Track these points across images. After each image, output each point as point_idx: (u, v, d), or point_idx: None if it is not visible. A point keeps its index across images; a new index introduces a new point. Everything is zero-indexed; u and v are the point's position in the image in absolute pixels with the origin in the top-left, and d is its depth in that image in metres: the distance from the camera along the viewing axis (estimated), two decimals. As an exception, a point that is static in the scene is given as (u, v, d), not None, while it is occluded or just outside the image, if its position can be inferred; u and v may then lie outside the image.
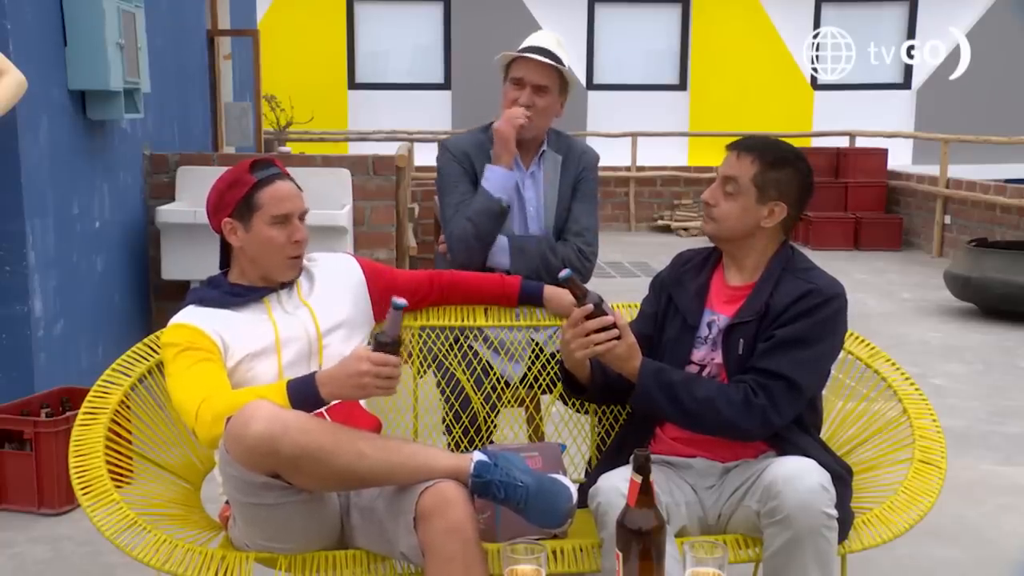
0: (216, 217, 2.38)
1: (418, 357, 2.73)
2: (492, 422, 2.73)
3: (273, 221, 2.32)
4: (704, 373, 2.34)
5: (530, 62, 2.92)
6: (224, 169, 2.43)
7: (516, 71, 2.95)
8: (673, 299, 2.43)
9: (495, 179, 2.89)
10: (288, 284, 2.42)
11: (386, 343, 2.07)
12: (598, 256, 3.06)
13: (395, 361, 2.07)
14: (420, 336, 2.73)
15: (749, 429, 2.22)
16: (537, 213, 2.99)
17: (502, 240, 2.92)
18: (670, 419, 2.31)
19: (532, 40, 2.99)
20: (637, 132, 11.85)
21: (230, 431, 1.98)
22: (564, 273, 2.17)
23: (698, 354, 2.36)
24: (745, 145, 2.34)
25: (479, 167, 2.95)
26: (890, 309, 7.22)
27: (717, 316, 2.36)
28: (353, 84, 12.84)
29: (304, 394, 2.10)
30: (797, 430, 2.28)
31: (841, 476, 2.24)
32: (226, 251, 2.44)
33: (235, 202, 2.33)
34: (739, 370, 2.27)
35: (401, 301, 2.08)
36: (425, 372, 2.77)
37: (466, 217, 2.89)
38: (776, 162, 2.31)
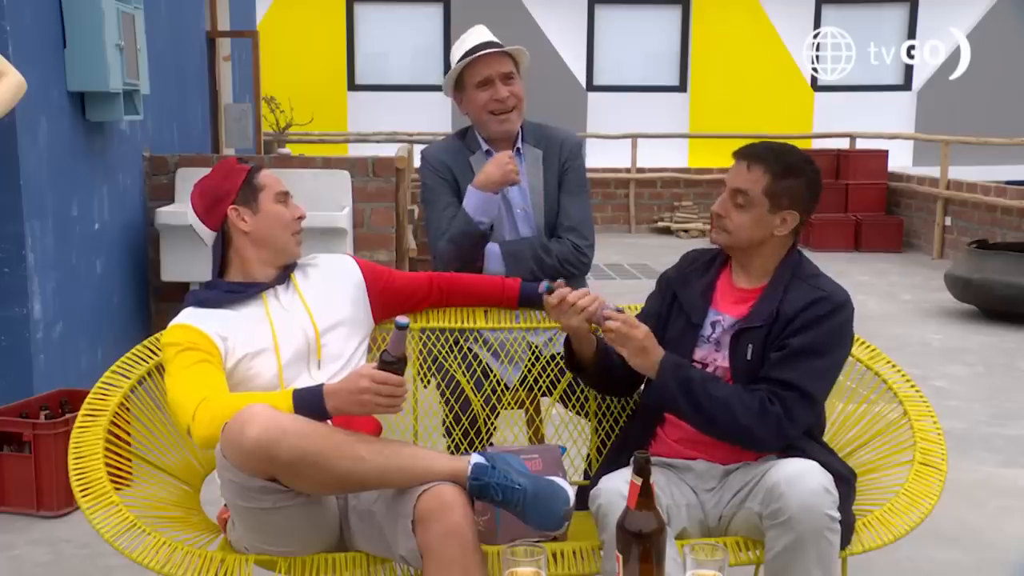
0: (217, 210, 2.38)
1: (418, 361, 2.72)
2: (492, 424, 2.72)
3: (277, 199, 2.42)
4: (706, 372, 2.33)
5: (485, 57, 2.89)
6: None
7: (478, 74, 2.89)
8: (678, 297, 2.42)
9: (476, 202, 2.82)
10: (285, 279, 2.43)
11: (389, 362, 2.07)
12: (595, 254, 3.00)
13: (396, 380, 2.06)
14: (420, 338, 2.72)
15: (763, 437, 2.21)
16: (526, 214, 2.94)
17: (493, 248, 2.88)
18: (684, 416, 2.28)
19: (469, 41, 2.95)
20: (637, 134, 11.83)
21: (227, 435, 1.97)
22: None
23: (700, 352, 2.35)
24: (754, 155, 2.30)
25: (459, 175, 2.91)
26: (891, 311, 7.21)
27: (722, 316, 2.35)
28: (353, 85, 12.84)
29: (310, 404, 2.09)
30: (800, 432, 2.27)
31: (844, 478, 2.24)
32: (219, 256, 2.43)
33: (236, 188, 2.38)
34: (746, 375, 2.26)
35: (404, 320, 2.07)
36: (429, 380, 2.76)
37: (448, 238, 2.85)
38: (787, 171, 2.29)
